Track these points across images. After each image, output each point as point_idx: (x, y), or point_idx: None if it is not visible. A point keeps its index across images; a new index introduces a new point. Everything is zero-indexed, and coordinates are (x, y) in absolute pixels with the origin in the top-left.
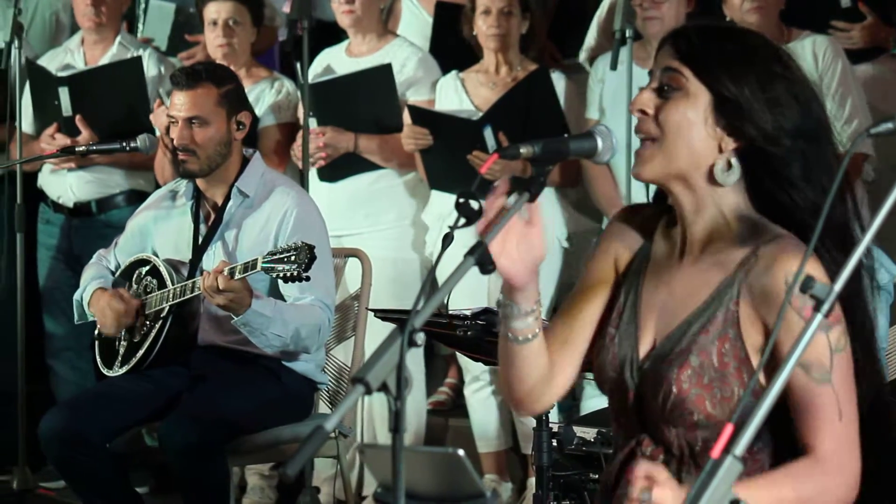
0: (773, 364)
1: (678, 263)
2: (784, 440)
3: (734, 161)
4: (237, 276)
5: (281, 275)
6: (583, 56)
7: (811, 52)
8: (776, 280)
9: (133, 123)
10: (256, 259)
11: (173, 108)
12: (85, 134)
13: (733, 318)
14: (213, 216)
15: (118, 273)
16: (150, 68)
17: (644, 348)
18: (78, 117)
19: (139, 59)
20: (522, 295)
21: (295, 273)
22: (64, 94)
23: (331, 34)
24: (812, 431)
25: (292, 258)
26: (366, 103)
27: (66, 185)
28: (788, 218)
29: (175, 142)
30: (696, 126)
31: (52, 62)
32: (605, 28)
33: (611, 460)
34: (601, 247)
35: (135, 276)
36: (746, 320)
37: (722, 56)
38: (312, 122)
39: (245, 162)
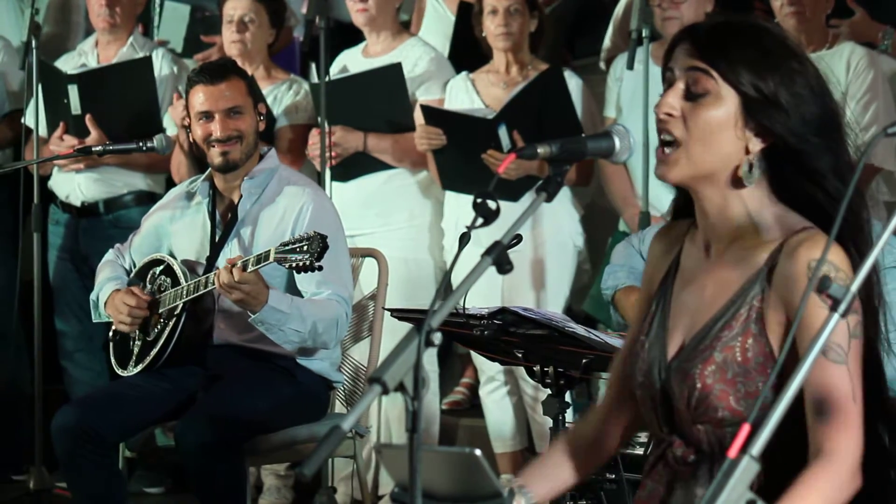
0: (793, 358)
1: (706, 264)
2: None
3: (756, 161)
4: (250, 268)
5: (294, 265)
6: (602, 57)
7: (846, 61)
8: (799, 266)
9: (142, 123)
10: (269, 250)
11: (206, 105)
12: (94, 134)
13: (757, 315)
14: (229, 214)
15: (133, 274)
16: (163, 68)
17: (672, 350)
18: (88, 117)
19: (149, 58)
20: None
21: (307, 262)
22: (73, 91)
23: (351, 35)
24: (825, 412)
25: (304, 247)
26: (376, 102)
27: (74, 185)
28: (817, 210)
29: (220, 134)
30: (725, 129)
31: (66, 65)
32: (621, 29)
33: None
34: (643, 286)
35: (149, 275)
36: (770, 315)
37: (745, 56)
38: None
39: (259, 158)
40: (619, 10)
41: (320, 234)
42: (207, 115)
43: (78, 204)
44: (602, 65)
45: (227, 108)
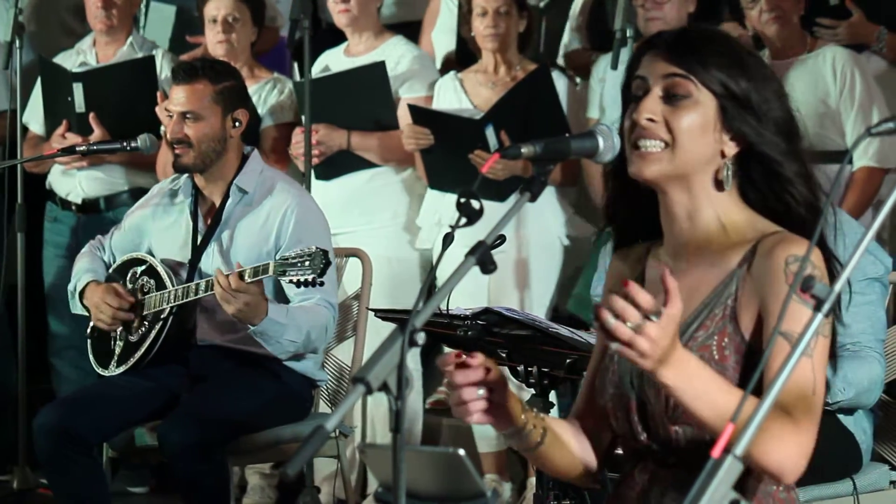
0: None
1: (674, 271)
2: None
3: (731, 165)
4: (247, 278)
5: (294, 279)
6: (560, 57)
7: (830, 65)
8: (776, 262)
9: (144, 122)
10: (268, 263)
11: (170, 102)
12: (98, 132)
13: (731, 314)
14: (211, 215)
15: (111, 269)
16: (164, 68)
17: None
18: (92, 115)
19: (152, 57)
20: (500, 424)
21: (310, 279)
22: (78, 90)
23: (337, 36)
24: (786, 397)
25: (307, 263)
26: (360, 101)
27: (75, 182)
28: (785, 215)
29: (168, 135)
30: (705, 133)
31: (64, 63)
32: (578, 27)
33: (619, 483)
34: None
35: (129, 274)
36: (743, 313)
37: (719, 61)
38: None
39: (244, 160)
40: (575, 7)
41: (322, 250)
42: (170, 114)
43: (79, 202)
44: (561, 61)
45: (181, 112)
